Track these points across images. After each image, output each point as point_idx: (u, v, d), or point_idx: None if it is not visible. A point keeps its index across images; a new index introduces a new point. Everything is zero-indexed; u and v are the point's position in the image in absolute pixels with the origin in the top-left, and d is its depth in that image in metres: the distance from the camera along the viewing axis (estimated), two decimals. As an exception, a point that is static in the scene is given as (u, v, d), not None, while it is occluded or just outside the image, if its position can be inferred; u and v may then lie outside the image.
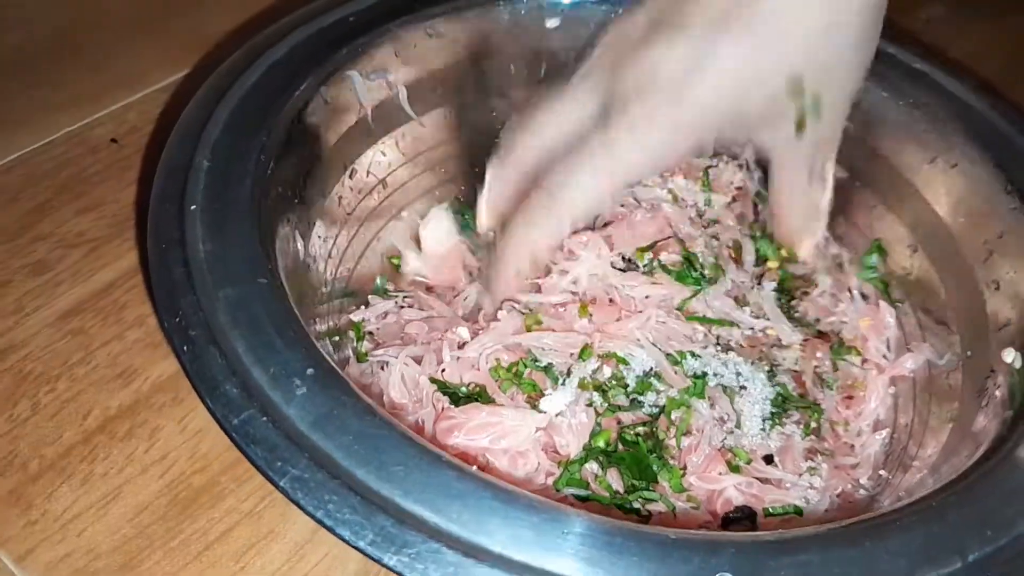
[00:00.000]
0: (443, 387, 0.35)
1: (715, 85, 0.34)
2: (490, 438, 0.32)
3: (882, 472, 0.37)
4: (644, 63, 0.35)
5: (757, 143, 0.40)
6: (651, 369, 0.37)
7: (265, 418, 0.24)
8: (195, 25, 0.58)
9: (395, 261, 0.44)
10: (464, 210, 0.46)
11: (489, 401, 0.35)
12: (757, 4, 0.34)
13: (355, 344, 0.38)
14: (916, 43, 0.45)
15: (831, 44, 0.35)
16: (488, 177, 0.41)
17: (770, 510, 0.34)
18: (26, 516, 0.35)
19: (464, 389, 0.35)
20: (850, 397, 0.40)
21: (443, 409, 0.34)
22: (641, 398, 0.36)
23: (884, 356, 0.41)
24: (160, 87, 0.54)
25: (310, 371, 0.26)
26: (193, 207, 0.29)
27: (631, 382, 0.37)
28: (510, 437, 0.32)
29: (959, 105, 0.40)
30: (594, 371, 0.37)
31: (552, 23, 0.45)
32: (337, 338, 0.37)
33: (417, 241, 0.45)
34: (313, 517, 0.23)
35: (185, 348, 0.26)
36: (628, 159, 0.36)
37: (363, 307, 0.41)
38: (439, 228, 0.44)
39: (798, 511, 0.34)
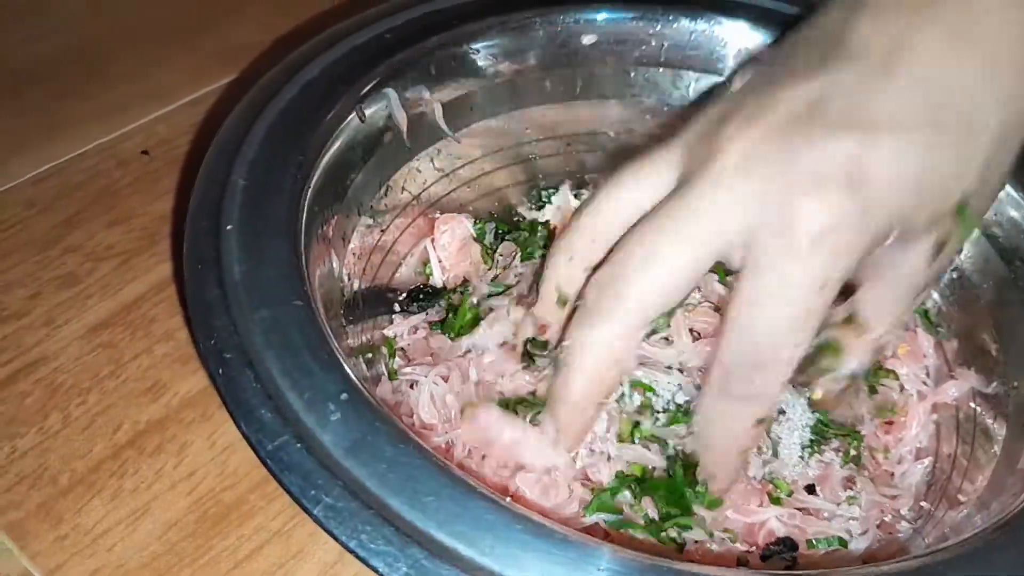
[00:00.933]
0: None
1: (898, 183, 0.29)
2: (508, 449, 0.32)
3: (923, 503, 0.36)
4: (811, 161, 0.29)
5: (881, 265, 0.33)
6: (683, 402, 0.36)
7: (299, 444, 0.24)
8: (226, 39, 0.60)
9: (428, 272, 0.45)
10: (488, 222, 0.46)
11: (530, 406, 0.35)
12: (938, 97, 0.29)
13: (387, 360, 0.38)
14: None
15: (1002, 149, 0.31)
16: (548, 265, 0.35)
17: (813, 542, 0.34)
18: (56, 530, 0.35)
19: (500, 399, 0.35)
20: (890, 423, 0.39)
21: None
22: (675, 428, 0.36)
23: (924, 383, 0.40)
24: (190, 100, 0.55)
25: (344, 396, 0.26)
26: (229, 227, 0.29)
27: (660, 408, 0.36)
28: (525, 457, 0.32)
29: None
30: (619, 397, 0.36)
31: (588, 40, 0.45)
32: (370, 355, 0.37)
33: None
34: (347, 548, 0.23)
35: (220, 371, 0.26)
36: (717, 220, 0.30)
37: (394, 320, 0.41)
38: (456, 229, 0.44)
39: (842, 543, 0.34)
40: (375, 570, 0.23)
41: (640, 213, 0.32)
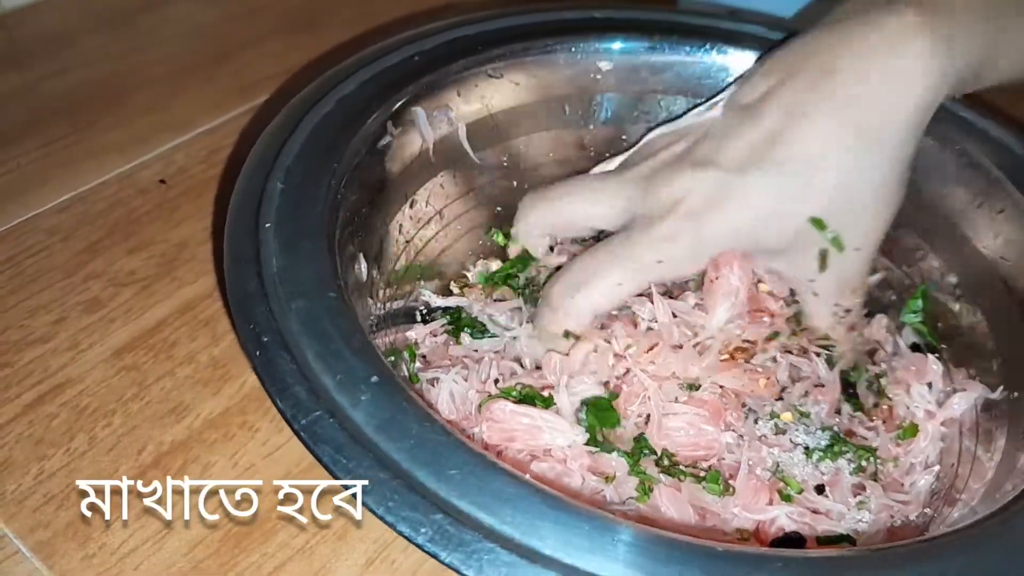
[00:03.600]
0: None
1: (734, 218, 0.43)
2: (528, 436, 0.39)
3: (927, 510, 0.42)
4: (675, 188, 0.44)
5: (783, 273, 0.47)
6: None
7: (332, 419, 0.31)
8: (241, 71, 0.69)
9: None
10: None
11: (543, 401, 0.42)
12: (791, 147, 0.42)
13: (409, 364, 0.45)
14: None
15: (857, 192, 0.43)
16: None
17: (822, 538, 0.39)
18: (84, 549, 0.41)
19: (515, 392, 0.42)
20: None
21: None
22: None
23: (928, 400, 0.46)
24: (206, 129, 0.64)
25: (374, 379, 0.32)
26: (268, 225, 0.36)
27: None
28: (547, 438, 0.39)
29: (1003, 150, 0.47)
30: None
31: (605, 66, 0.53)
32: (392, 358, 0.44)
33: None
34: (375, 514, 0.29)
35: (258, 353, 0.32)
36: (649, 267, 0.44)
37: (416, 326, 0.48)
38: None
39: (851, 540, 0.39)
40: (402, 534, 0.29)
41: (587, 221, 0.48)
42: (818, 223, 0.43)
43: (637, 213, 0.45)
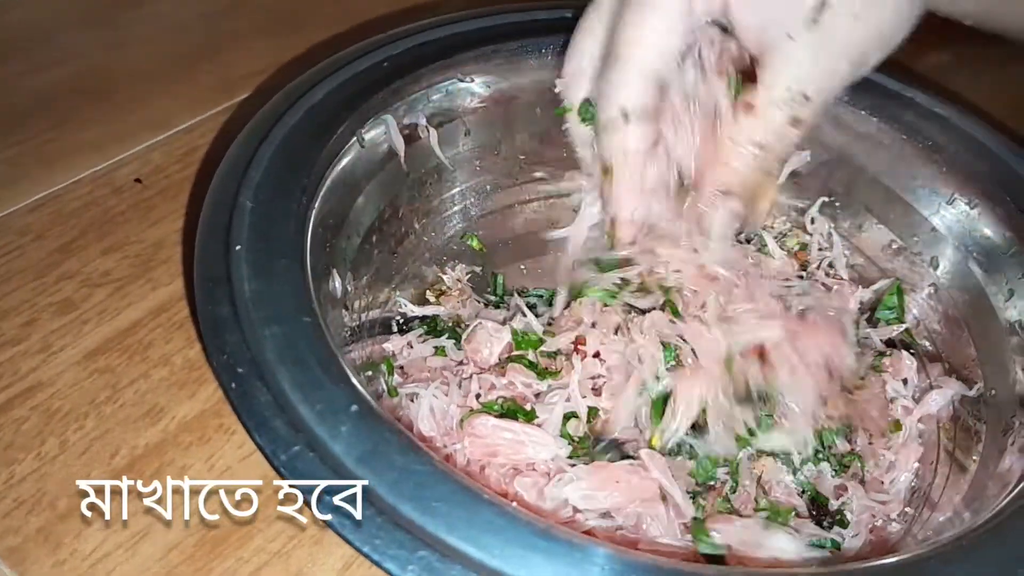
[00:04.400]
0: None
1: None
2: (510, 451, 0.34)
3: (908, 509, 0.38)
4: None
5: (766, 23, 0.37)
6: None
7: (312, 454, 0.26)
8: (220, 69, 0.62)
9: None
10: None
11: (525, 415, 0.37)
12: None
13: (387, 377, 0.40)
14: (934, 87, 0.47)
15: None
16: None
17: (812, 542, 0.35)
18: (55, 555, 0.36)
19: (497, 406, 0.37)
20: (881, 435, 0.41)
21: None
22: None
23: (903, 396, 0.43)
24: (183, 128, 0.57)
25: (354, 408, 0.27)
26: (238, 247, 0.31)
27: None
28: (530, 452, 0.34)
29: (977, 147, 0.43)
30: None
31: None
32: (370, 372, 0.39)
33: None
34: (361, 552, 0.25)
35: (233, 385, 0.27)
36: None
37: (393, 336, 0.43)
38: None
39: (836, 545, 0.36)
40: (388, 572, 0.24)
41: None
42: None
43: None
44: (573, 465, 0.36)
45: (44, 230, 0.49)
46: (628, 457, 0.37)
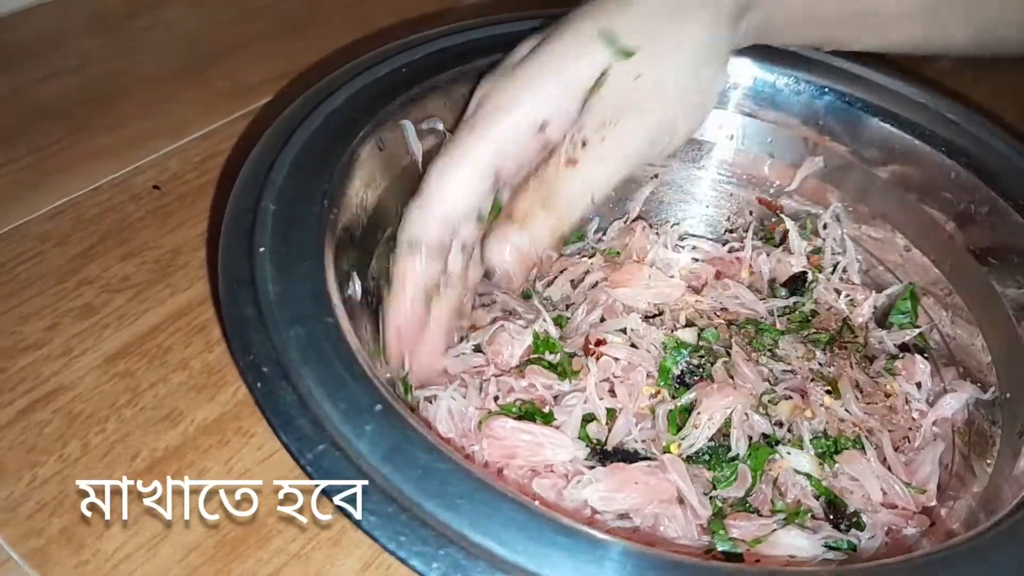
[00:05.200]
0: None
1: None
2: (528, 454, 0.35)
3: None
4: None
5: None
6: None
7: (337, 452, 0.26)
8: (235, 76, 0.63)
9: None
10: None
11: (544, 417, 0.38)
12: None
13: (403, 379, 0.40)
14: (944, 91, 0.48)
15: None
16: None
17: (828, 544, 0.36)
18: (77, 556, 0.36)
19: (515, 408, 0.37)
20: (905, 438, 0.42)
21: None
22: None
23: (917, 400, 0.43)
24: (201, 135, 0.58)
25: (378, 407, 0.28)
26: (262, 249, 0.32)
27: None
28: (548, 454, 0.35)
29: (990, 151, 0.43)
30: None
31: None
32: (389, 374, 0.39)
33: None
34: (387, 549, 0.25)
35: (259, 384, 0.28)
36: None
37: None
38: None
39: (852, 547, 0.36)
40: (414, 569, 0.25)
41: None
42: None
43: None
44: (592, 467, 0.36)
45: (64, 236, 0.49)
46: (645, 458, 0.38)
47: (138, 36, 0.67)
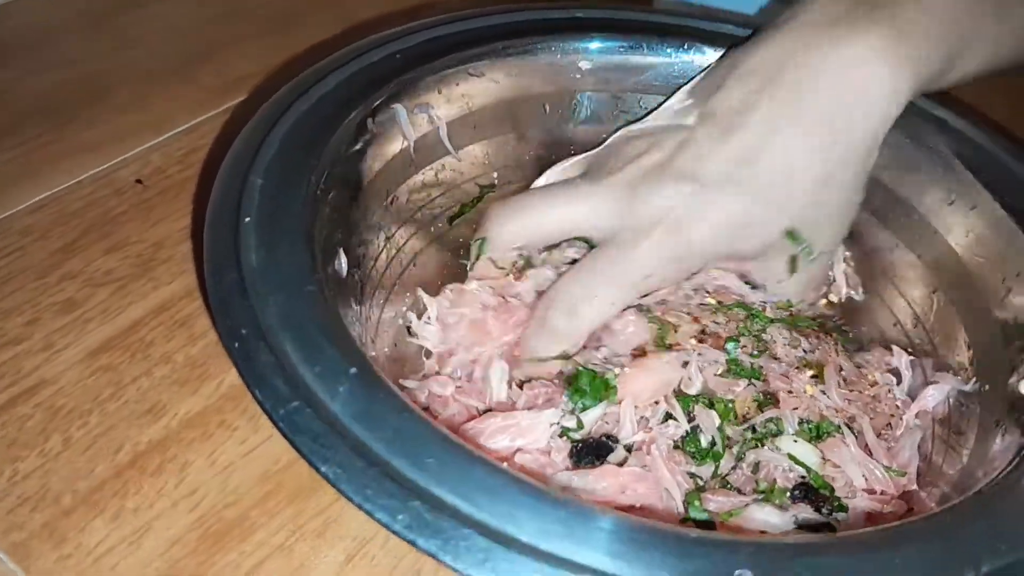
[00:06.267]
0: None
1: (713, 230, 0.46)
2: (509, 438, 0.40)
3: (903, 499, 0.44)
4: (659, 201, 0.46)
5: (753, 274, 0.51)
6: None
7: (310, 410, 0.32)
8: (221, 71, 0.71)
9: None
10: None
11: None
12: (760, 162, 0.45)
13: None
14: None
15: (825, 205, 0.47)
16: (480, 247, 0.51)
17: (802, 525, 0.41)
18: (59, 550, 0.42)
19: None
20: (888, 425, 0.47)
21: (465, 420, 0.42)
22: None
23: (898, 390, 0.49)
24: (184, 129, 0.65)
25: (353, 371, 0.33)
26: (247, 219, 0.38)
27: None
28: (527, 435, 0.40)
29: (976, 149, 0.49)
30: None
31: (585, 65, 0.56)
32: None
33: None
34: (352, 501, 0.31)
35: (237, 345, 0.34)
36: (639, 283, 0.47)
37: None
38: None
39: (831, 527, 0.41)
40: (379, 521, 0.30)
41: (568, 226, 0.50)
42: (792, 235, 0.47)
43: (621, 225, 0.47)
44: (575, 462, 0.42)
45: (46, 231, 0.56)
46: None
47: (125, 31, 0.75)
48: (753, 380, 0.46)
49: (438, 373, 0.48)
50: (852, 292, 0.55)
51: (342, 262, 0.43)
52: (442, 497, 0.31)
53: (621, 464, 0.42)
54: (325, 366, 0.33)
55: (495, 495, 0.32)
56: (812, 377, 0.47)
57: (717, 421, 0.44)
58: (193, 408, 0.48)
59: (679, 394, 0.45)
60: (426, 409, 0.46)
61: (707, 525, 0.40)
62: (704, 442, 0.43)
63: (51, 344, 0.50)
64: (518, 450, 0.42)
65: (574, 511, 0.32)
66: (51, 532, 0.42)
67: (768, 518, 0.40)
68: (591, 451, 0.43)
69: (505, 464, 0.33)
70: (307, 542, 0.43)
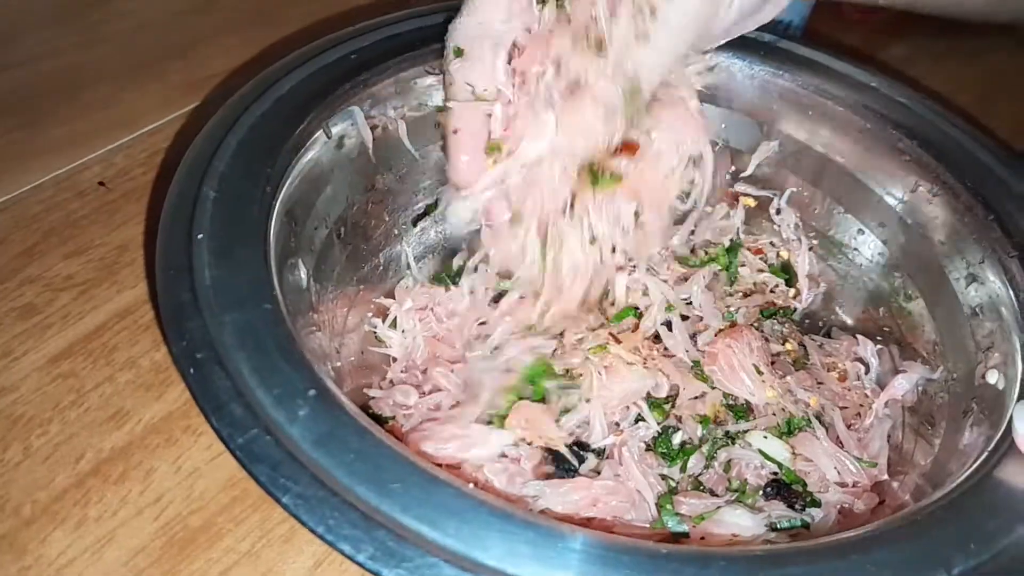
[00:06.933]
0: None
1: None
2: (457, 448, 0.37)
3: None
4: None
5: None
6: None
7: (269, 437, 0.28)
8: (188, 69, 0.65)
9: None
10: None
11: None
12: None
13: None
14: (897, 76, 0.50)
15: None
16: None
17: (778, 525, 0.38)
18: (20, 562, 0.38)
19: None
20: (858, 414, 0.44)
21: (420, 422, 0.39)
22: None
23: (869, 379, 0.46)
24: (149, 130, 0.60)
25: (312, 392, 0.29)
26: (200, 235, 0.33)
27: None
28: (475, 450, 0.37)
29: (939, 134, 0.46)
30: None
31: None
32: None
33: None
34: (314, 532, 0.27)
35: (192, 370, 0.29)
36: None
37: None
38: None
39: (805, 525, 0.38)
40: (342, 552, 0.26)
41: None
42: None
43: None
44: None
45: (5, 235, 0.51)
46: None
47: (95, 28, 0.69)
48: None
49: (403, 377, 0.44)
50: (814, 282, 0.51)
51: (301, 272, 0.39)
52: (407, 524, 0.27)
53: (595, 473, 0.39)
54: (284, 388, 0.29)
55: (462, 519, 0.28)
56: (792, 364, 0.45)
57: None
58: (158, 413, 0.44)
59: (649, 398, 0.42)
60: (391, 420, 0.42)
61: (681, 536, 0.37)
62: (676, 441, 0.40)
63: (9, 351, 0.46)
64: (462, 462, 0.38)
65: (543, 531, 0.28)
66: (11, 544, 0.39)
67: (740, 520, 0.37)
68: (563, 460, 0.40)
69: (471, 484, 0.29)
70: (274, 548, 0.40)
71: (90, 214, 0.53)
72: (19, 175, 0.55)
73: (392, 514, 0.27)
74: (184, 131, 0.60)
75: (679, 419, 0.42)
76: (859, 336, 0.47)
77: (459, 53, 0.41)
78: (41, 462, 0.41)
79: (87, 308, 0.48)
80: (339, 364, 0.41)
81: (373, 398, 0.43)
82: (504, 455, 0.39)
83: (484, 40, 0.41)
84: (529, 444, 0.39)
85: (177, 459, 0.42)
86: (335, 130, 0.43)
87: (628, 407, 0.41)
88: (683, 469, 0.40)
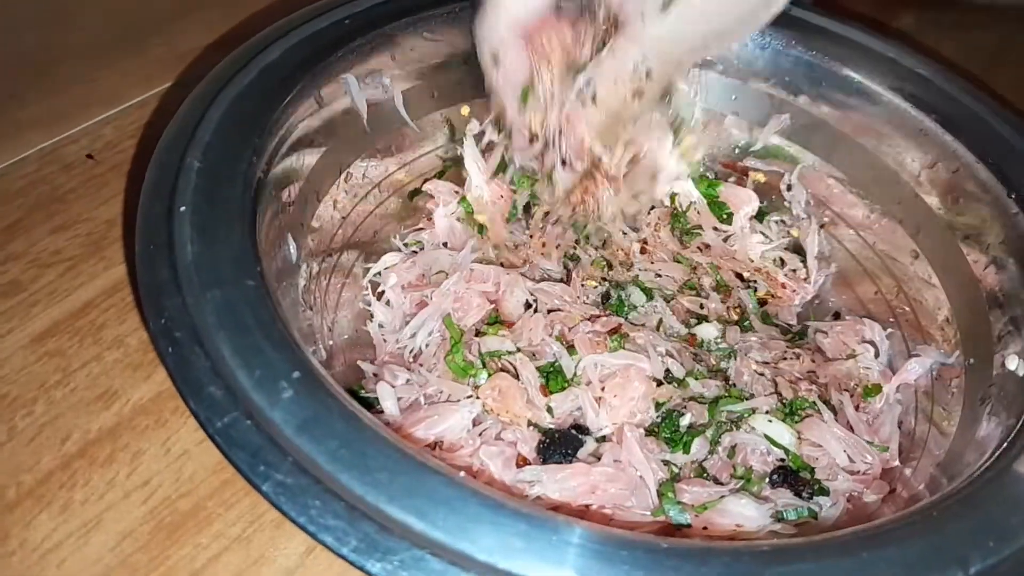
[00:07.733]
0: None
1: None
2: (426, 427, 0.36)
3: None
4: None
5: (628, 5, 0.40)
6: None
7: (249, 421, 0.27)
8: (173, 41, 0.63)
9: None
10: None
11: None
12: None
13: None
14: (916, 48, 0.48)
15: None
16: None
17: (785, 515, 0.36)
18: (3, 547, 0.37)
19: None
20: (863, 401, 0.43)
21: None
22: None
23: (879, 362, 0.44)
24: (137, 102, 0.58)
25: (296, 374, 0.28)
26: (183, 208, 0.32)
27: None
28: (442, 425, 0.37)
29: (960, 110, 0.44)
30: None
31: None
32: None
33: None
34: (295, 523, 0.26)
35: (170, 350, 0.28)
36: None
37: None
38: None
39: (812, 515, 0.37)
40: (324, 544, 0.25)
41: None
42: None
43: None
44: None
45: (-12, 211, 0.50)
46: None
47: (67, 4, 0.66)
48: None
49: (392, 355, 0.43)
50: (825, 263, 0.50)
51: (291, 247, 0.38)
52: (394, 515, 0.26)
53: (595, 458, 0.38)
54: (266, 370, 0.28)
55: (451, 509, 0.27)
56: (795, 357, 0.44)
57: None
58: (146, 394, 0.43)
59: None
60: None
61: (682, 527, 0.36)
62: (684, 423, 0.39)
63: (-8, 329, 0.45)
64: (484, 444, 0.37)
65: (537, 523, 0.27)
66: (-7, 528, 0.38)
67: (744, 510, 0.36)
68: (561, 445, 0.38)
69: (462, 472, 0.28)
70: (265, 533, 0.39)
71: (76, 188, 0.52)
72: (0, 151, 0.53)
73: (378, 504, 0.26)
74: (171, 103, 0.58)
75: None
76: (867, 319, 0.46)
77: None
78: (26, 443, 0.41)
79: (74, 285, 0.47)
80: (331, 342, 0.40)
81: (365, 377, 0.42)
82: (500, 438, 0.38)
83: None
84: (497, 416, 0.39)
85: (166, 441, 0.41)
86: (326, 98, 0.42)
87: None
88: (686, 451, 0.39)
